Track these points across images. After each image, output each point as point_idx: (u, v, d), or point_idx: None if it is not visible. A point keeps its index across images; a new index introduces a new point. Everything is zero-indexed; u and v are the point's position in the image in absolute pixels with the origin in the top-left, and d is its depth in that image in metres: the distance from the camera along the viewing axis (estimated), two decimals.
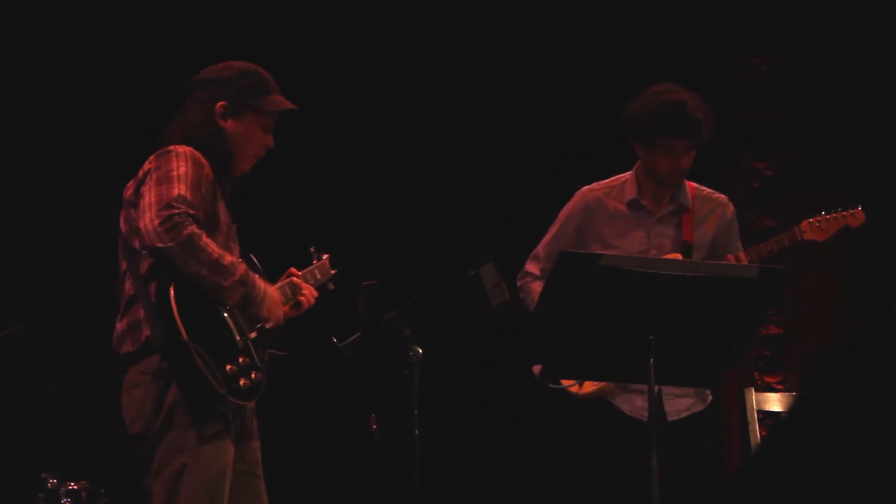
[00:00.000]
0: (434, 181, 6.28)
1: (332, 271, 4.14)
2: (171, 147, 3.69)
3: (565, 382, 4.47)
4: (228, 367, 3.59)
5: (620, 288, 3.69)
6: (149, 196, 3.56)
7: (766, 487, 1.67)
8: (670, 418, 4.41)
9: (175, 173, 3.59)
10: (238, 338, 3.64)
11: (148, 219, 3.51)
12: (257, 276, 3.72)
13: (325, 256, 4.14)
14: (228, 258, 3.61)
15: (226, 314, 3.64)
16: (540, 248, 4.61)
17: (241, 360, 3.63)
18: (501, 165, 6.33)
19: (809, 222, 4.47)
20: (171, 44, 6.13)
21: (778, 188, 6.28)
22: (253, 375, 3.66)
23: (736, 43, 6.44)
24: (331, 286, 4.12)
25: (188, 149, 3.69)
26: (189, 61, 6.30)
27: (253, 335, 3.70)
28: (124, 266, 3.73)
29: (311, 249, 4.14)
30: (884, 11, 6.15)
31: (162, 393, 3.59)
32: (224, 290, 3.58)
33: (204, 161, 3.70)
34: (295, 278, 3.93)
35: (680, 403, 4.43)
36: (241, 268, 3.64)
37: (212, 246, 3.55)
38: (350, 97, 6.27)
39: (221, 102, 3.82)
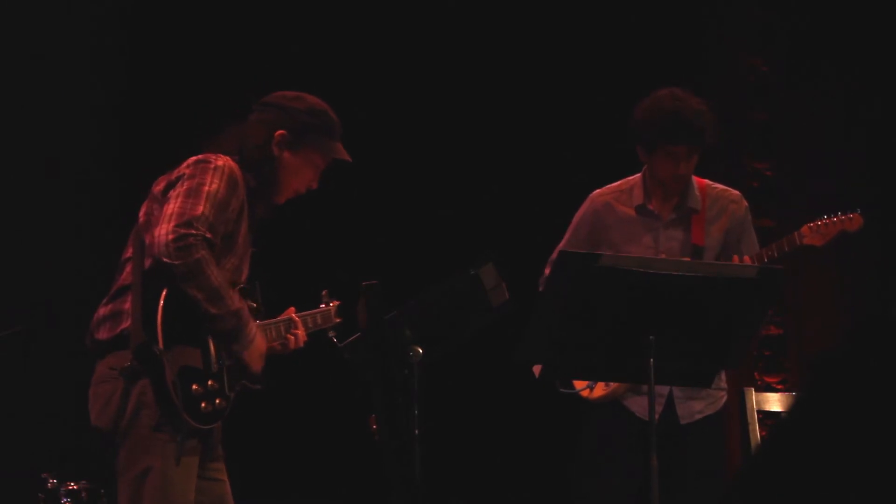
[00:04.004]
0: (435, 181, 6.28)
1: (337, 320, 4.07)
2: (212, 158, 3.65)
3: (578, 386, 4.46)
4: (195, 386, 3.54)
5: (620, 288, 3.69)
6: (174, 205, 3.53)
7: (766, 487, 1.67)
8: (683, 421, 4.39)
9: (206, 189, 3.56)
10: (214, 360, 3.60)
11: (164, 231, 3.48)
12: (252, 319, 3.68)
13: (333, 304, 4.08)
14: (229, 291, 3.57)
15: (210, 334, 3.60)
16: (556, 253, 4.60)
17: (209, 383, 3.58)
18: (502, 166, 6.34)
19: (809, 227, 4.47)
20: (170, 47, 6.13)
21: (778, 188, 6.28)
22: (217, 401, 3.60)
23: (736, 43, 6.44)
24: (331, 334, 4.04)
25: (228, 163, 3.66)
26: (188, 64, 6.32)
27: (231, 362, 3.65)
28: (129, 253, 3.68)
29: (323, 293, 4.08)
30: (884, 11, 6.15)
31: (127, 392, 3.55)
32: (213, 319, 3.55)
33: (240, 181, 3.67)
34: (294, 316, 3.90)
35: (693, 406, 4.41)
36: (239, 304, 3.61)
37: (216, 274, 3.52)
38: (351, 96, 6.26)
39: (282, 132, 3.80)
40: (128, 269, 3.66)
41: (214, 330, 3.58)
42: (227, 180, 3.62)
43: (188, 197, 3.54)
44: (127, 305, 3.59)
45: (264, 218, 3.85)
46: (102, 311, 3.68)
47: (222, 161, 3.65)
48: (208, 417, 3.59)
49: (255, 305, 3.77)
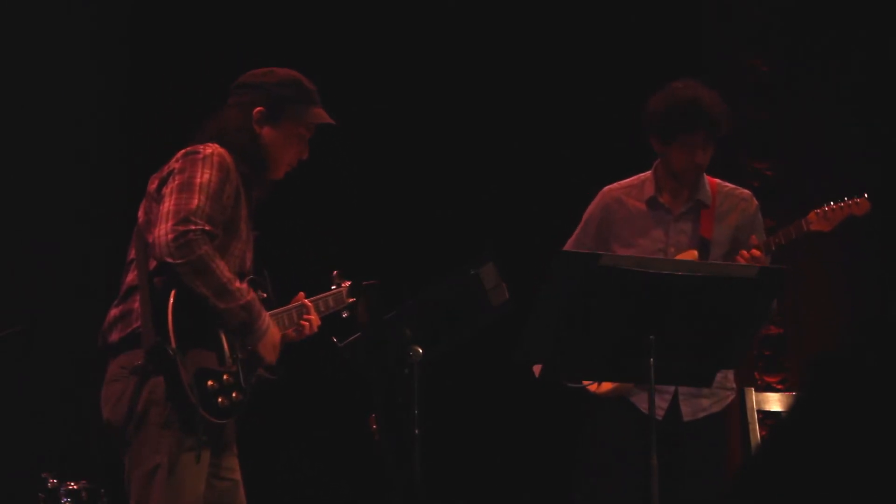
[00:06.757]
0: (434, 181, 6.28)
1: (350, 300, 4.03)
2: (200, 148, 3.64)
3: (585, 380, 4.46)
4: (210, 382, 3.53)
5: (620, 288, 3.69)
6: (168, 203, 3.52)
7: (766, 487, 1.67)
8: (686, 418, 4.38)
9: (198, 181, 3.54)
10: (228, 354, 3.59)
11: (163, 231, 3.47)
12: (265, 310, 3.67)
13: (344, 284, 4.04)
14: (237, 284, 3.56)
15: (221, 329, 3.59)
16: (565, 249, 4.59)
17: (225, 377, 3.57)
18: (501, 166, 6.34)
19: (816, 213, 4.47)
20: (170, 46, 6.13)
21: (778, 188, 6.28)
22: (234, 395, 3.59)
23: (736, 43, 6.44)
24: (345, 314, 4.02)
25: (217, 150, 3.64)
26: (188, 65, 6.32)
27: (245, 355, 3.64)
28: (133, 255, 3.68)
29: (334, 273, 4.05)
30: (884, 11, 6.15)
31: (138, 390, 3.54)
32: (222, 313, 3.54)
33: (231, 166, 3.65)
34: (306, 301, 3.88)
35: (697, 404, 4.40)
36: (249, 296, 3.59)
37: (222, 268, 3.51)
38: (352, 96, 6.27)
39: (259, 108, 3.79)
40: (133, 270, 3.66)
41: (225, 326, 3.58)
42: (217, 167, 3.60)
43: (181, 192, 3.53)
44: (136, 305, 3.59)
45: (262, 198, 3.84)
46: (114, 311, 3.67)
47: (210, 149, 3.64)
48: (226, 411, 3.59)
49: (265, 296, 3.75)
